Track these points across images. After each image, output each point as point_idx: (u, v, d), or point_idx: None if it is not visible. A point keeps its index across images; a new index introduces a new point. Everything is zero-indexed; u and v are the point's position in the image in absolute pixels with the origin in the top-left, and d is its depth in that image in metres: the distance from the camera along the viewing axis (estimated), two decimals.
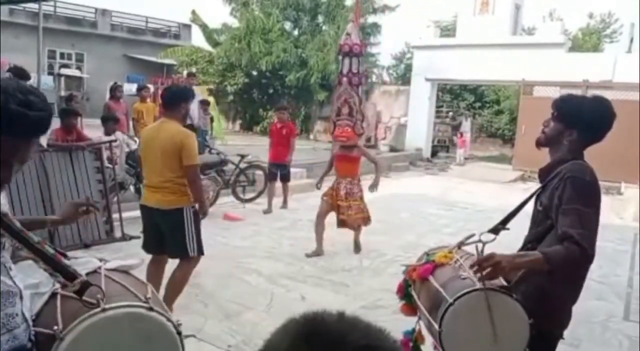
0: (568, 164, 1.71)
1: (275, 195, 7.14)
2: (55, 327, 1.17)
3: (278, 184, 7.09)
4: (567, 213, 1.60)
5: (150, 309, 1.27)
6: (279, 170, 7.00)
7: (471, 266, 1.61)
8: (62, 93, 15.88)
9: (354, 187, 5.11)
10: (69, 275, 1.14)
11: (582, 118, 1.75)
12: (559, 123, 1.78)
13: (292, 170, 9.29)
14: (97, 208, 1.58)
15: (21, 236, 1.10)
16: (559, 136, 1.77)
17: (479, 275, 1.57)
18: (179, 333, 1.31)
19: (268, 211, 6.91)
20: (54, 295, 1.30)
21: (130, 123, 7.65)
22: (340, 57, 5.95)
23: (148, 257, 3.24)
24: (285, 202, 7.27)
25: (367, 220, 5.15)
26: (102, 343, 1.20)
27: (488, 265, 1.54)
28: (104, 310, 1.20)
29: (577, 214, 1.59)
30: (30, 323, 1.21)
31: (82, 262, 1.39)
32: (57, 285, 1.28)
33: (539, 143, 1.85)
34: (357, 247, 5.26)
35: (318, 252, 5.02)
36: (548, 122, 1.83)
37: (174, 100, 3.16)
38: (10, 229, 1.09)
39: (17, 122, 0.98)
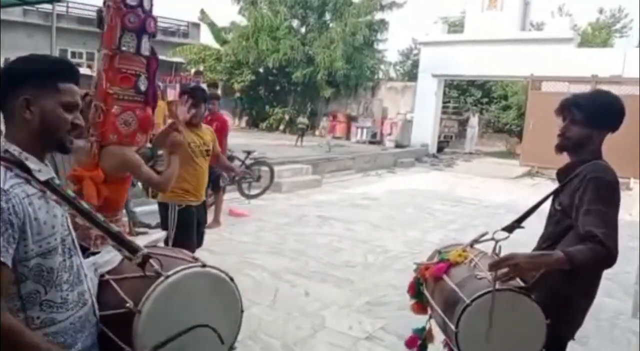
0: (589, 164, 1.68)
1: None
2: (128, 304, 1.25)
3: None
4: (589, 214, 1.58)
5: (204, 266, 1.37)
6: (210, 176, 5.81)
7: (490, 267, 1.58)
8: None
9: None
10: (132, 249, 1.27)
11: (612, 118, 1.72)
12: (586, 127, 1.71)
13: (298, 166, 9.36)
14: None
15: (91, 216, 1.22)
16: (587, 139, 1.72)
17: (493, 274, 1.56)
18: (232, 279, 1.42)
19: (214, 225, 5.48)
20: (103, 282, 1.35)
21: None
22: None
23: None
24: (216, 218, 5.70)
25: None
26: (174, 307, 1.29)
27: (505, 265, 1.52)
28: (167, 277, 1.27)
29: (600, 214, 1.57)
30: (95, 299, 1.30)
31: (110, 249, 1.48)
32: (101, 271, 1.37)
33: (562, 150, 1.78)
34: None
35: None
36: (567, 128, 1.74)
37: None
38: (82, 211, 1.21)
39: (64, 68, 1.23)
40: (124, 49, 2.48)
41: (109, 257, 1.37)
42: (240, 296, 1.44)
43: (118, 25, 2.44)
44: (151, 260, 1.28)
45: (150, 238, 1.60)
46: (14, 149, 1.14)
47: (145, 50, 2.58)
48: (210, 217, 5.84)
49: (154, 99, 2.61)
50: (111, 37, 2.46)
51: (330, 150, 11.57)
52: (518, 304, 1.58)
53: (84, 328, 1.22)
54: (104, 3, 2.51)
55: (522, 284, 1.65)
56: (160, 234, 1.68)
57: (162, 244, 1.68)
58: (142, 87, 2.53)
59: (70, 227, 1.23)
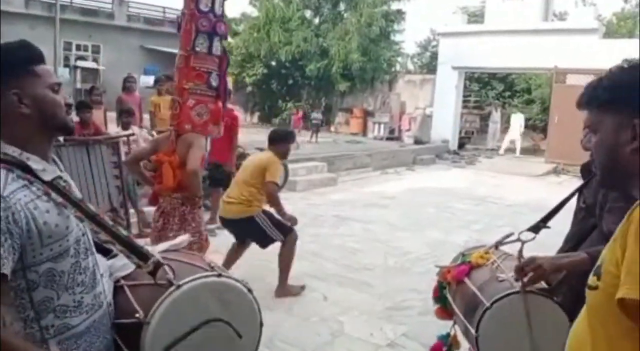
0: None
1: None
2: (137, 314, 1.21)
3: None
4: (613, 212, 1.52)
5: (219, 275, 1.31)
6: (218, 174, 5.35)
7: (515, 272, 1.57)
8: (78, 85, 15.76)
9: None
10: (142, 256, 1.20)
11: None
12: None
13: (313, 163, 9.17)
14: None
15: (98, 220, 1.16)
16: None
17: (520, 281, 1.54)
18: (250, 291, 1.35)
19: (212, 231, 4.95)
20: (118, 287, 1.31)
21: (145, 116, 7.51)
22: None
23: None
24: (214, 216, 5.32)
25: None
26: (186, 318, 1.23)
27: (530, 270, 1.51)
28: (178, 287, 1.22)
29: (624, 212, 1.41)
30: (111, 300, 1.27)
31: None
32: (117, 275, 1.32)
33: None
34: None
35: None
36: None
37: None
38: (88, 214, 1.14)
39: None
40: (197, 49, 2.82)
41: (126, 260, 1.30)
42: (259, 308, 1.36)
43: (193, 28, 2.80)
44: (164, 267, 1.23)
45: (172, 242, 1.54)
46: (14, 150, 1.08)
47: (216, 50, 2.90)
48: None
49: (224, 94, 2.96)
50: (187, 39, 2.83)
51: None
52: (541, 306, 1.55)
53: (99, 332, 1.20)
54: (182, 11, 2.90)
55: (545, 286, 1.63)
56: (183, 237, 1.60)
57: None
58: (214, 83, 2.86)
59: (86, 226, 1.17)
